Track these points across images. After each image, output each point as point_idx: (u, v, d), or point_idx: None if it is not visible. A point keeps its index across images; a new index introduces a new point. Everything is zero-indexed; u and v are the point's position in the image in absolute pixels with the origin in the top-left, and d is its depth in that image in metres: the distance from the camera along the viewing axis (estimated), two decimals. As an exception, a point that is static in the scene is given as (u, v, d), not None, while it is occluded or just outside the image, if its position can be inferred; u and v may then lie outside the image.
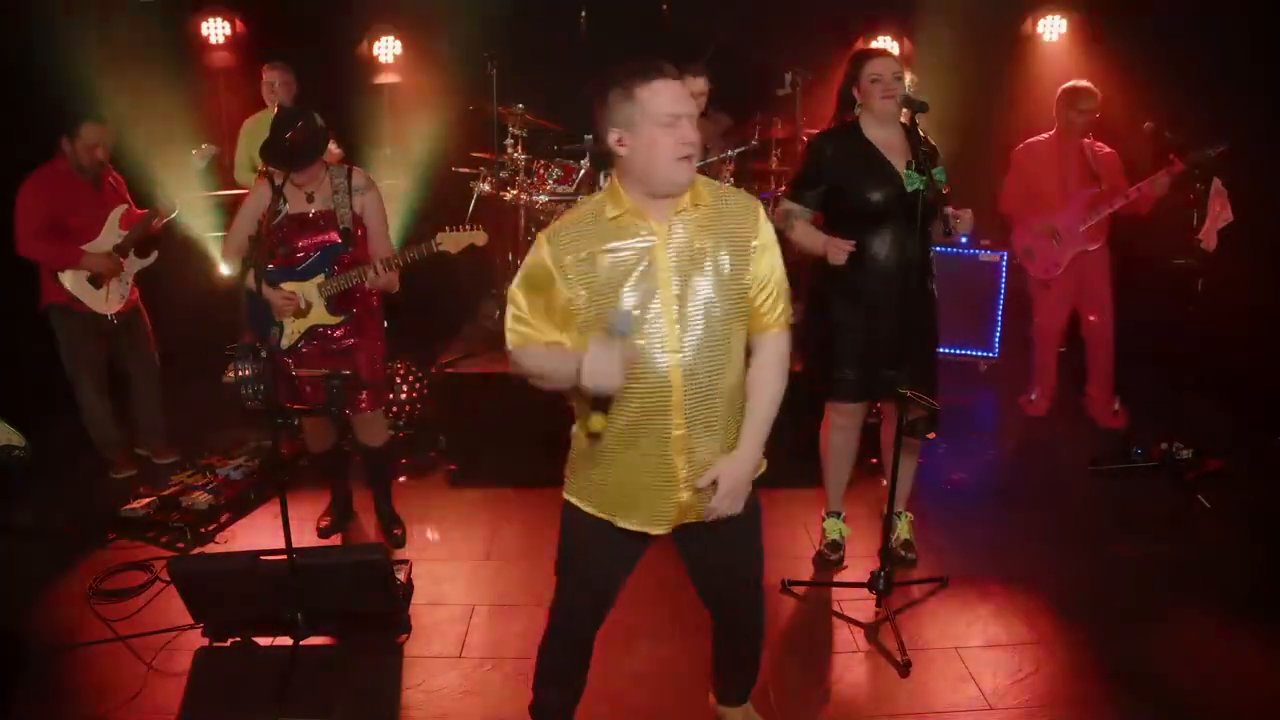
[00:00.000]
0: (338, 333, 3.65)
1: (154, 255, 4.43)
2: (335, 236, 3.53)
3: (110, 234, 4.24)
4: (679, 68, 2.13)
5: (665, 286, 2.14)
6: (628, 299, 2.13)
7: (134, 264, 4.33)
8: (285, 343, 3.59)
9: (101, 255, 4.19)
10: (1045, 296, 5.02)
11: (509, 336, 2.24)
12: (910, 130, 3.15)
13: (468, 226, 3.54)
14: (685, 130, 2.08)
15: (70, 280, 4.18)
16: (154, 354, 4.61)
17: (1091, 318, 4.98)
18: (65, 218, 4.16)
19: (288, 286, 3.52)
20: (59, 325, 4.28)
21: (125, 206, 4.28)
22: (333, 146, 3.57)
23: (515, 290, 2.22)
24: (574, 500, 2.38)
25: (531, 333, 2.21)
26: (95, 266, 4.18)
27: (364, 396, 3.72)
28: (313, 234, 3.53)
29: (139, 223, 4.24)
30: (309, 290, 3.55)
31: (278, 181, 3.39)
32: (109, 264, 4.21)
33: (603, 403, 2.07)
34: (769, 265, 2.23)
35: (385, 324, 3.91)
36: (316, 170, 3.50)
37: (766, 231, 2.23)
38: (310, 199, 3.53)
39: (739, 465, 2.25)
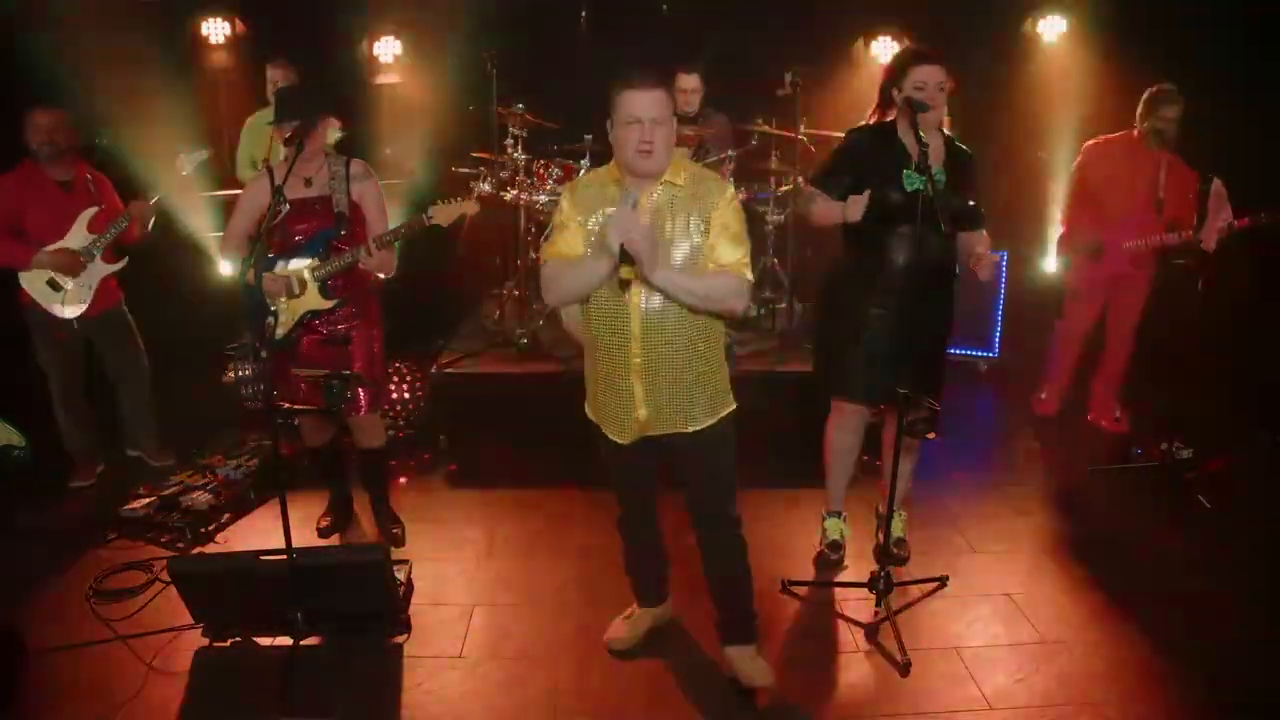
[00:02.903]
0: (335, 326, 3.64)
1: (123, 261, 4.23)
2: (330, 220, 3.53)
3: (77, 237, 4.07)
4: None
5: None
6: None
7: (99, 268, 4.13)
8: (281, 331, 3.57)
9: (56, 251, 4.00)
10: (1081, 301, 4.96)
11: (542, 264, 2.74)
12: (913, 131, 3.15)
13: (458, 198, 3.52)
14: (644, 131, 2.51)
15: (27, 281, 4.06)
16: (139, 355, 4.48)
17: (1117, 325, 4.95)
18: (25, 218, 4.02)
19: (281, 270, 3.53)
20: (30, 325, 4.18)
21: (95, 209, 4.10)
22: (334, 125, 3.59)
23: (553, 229, 2.76)
24: (589, 414, 2.90)
25: (561, 248, 2.69)
26: (50, 265, 4.01)
27: (362, 397, 3.71)
28: (309, 218, 3.53)
29: (110, 226, 4.08)
30: (302, 273, 3.54)
31: (278, 180, 3.40)
32: (66, 261, 4.02)
33: (627, 255, 2.46)
34: (715, 237, 2.63)
35: (383, 320, 3.86)
36: (315, 155, 3.51)
37: (724, 215, 2.63)
38: (308, 184, 3.53)
39: (652, 233, 2.53)
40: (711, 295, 2.60)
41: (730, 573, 2.96)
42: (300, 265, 3.54)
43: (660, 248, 2.54)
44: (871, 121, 3.46)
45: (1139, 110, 4.56)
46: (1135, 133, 4.59)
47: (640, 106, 2.51)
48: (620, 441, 2.78)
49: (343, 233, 3.54)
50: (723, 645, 3.03)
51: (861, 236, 3.38)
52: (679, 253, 2.62)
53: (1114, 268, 4.73)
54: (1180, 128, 4.45)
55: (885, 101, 3.41)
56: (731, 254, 2.63)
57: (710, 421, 2.76)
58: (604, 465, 2.93)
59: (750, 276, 2.68)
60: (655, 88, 2.52)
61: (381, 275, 3.66)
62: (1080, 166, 4.77)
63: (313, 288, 3.55)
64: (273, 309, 3.53)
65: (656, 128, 2.52)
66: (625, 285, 2.53)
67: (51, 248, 4.03)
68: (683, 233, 2.62)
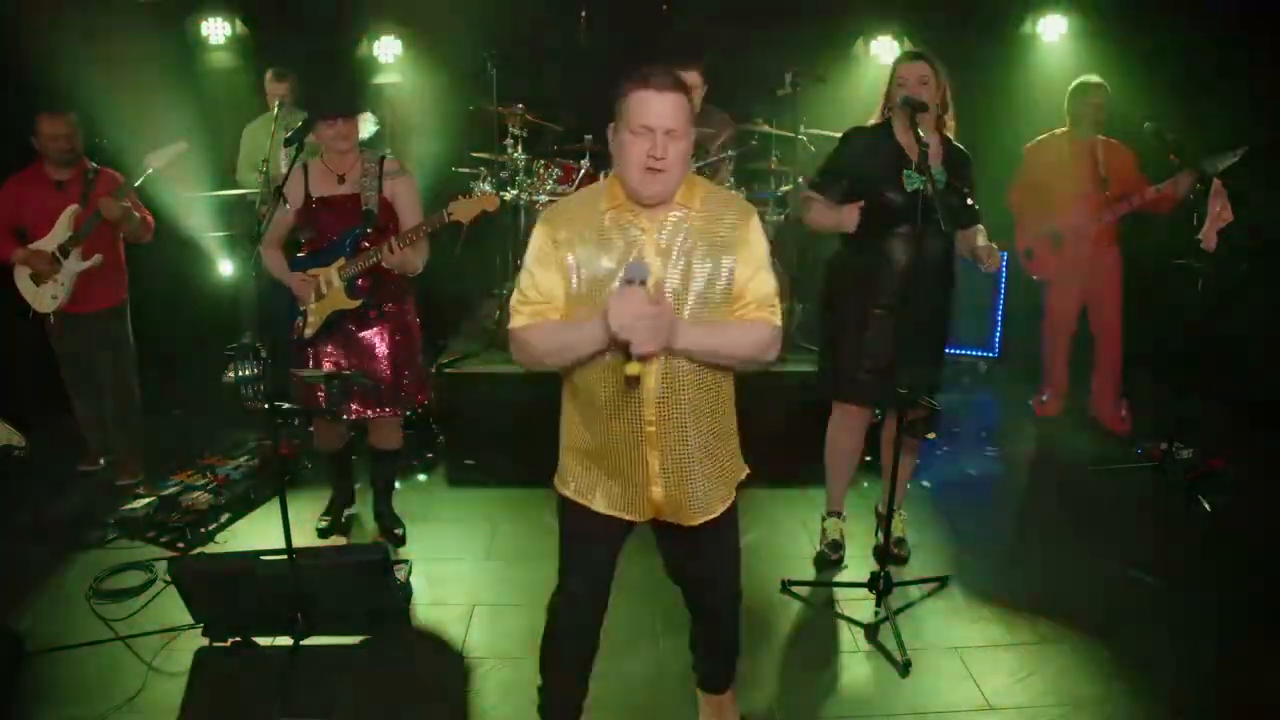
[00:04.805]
0: (364, 326, 3.61)
1: (97, 258, 4.20)
2: (358, 218, 3.49)
3: (58, 233, 4.15)
4: (675, 64, 2.16)
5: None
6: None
7: (75, 265, 4.17)
8: (309, 331, 3.55)
9: (33, 252, 4.12)
10: (1053, 295, 5.02)
11: (514, 320, 2.22)
12: (912, 129, 3.15)
13: (478, 193, 3.49)
14: (656, 144, 2.05)
15: (17, 277, 4.19)
16: (126, 369, 4.45)
17: (1100, 318, 4.98)
18: (22, 217, 4.17)
19: (311, 271, 3.53)
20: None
21: (77, 208, 4.15)
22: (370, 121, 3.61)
23: (524, 273, 2.23)
24: (559, 488, 2.44)
25: (543, 308, 2.20)
26: (27, 263, 4.14)
27: (386, 397, 3.66)
28: (340, 216, 3.51)
29: (85, 223, 4.14)
30: (330, 273, 3.52)
31: (306, 179, 3.45)
32: (40, 262, 4.12)
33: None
34: (748, 277, 2.19)
35: (416, 320, 3.79)
36: (349, 150, 3.50)
37: (755, 246, 2.19)
38: (341, 181, 3.52)
39: (666, 314, 2.04)
40: (739, 353, 2.19)
41: (722, 646, 2.70)
42: (330, 267, 3.52)
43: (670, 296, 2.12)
44: (869, 124, 3.48)
45: (1067, 101, 4.79)
46: (1066, 125, 4.82)
47: (660, 114, 2.05)
48: (630, 519, 2.35)
49: (370, 230, 3.49)
50: (700, 689, 2.82)
51: (862, 237, 3.38)
52: (680, 297, 2.16)
53: (1076, 249, 4.81)
54: (1106, 113, 4.72)
55: (886, 104, 3.43)
56: (759, 296, 2.20)
57: (728, 504, 2.38)
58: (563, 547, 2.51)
59: (778, 321, 2.23)
60: (674, 90, 2.07)
61: (409, 273, 3.62)
62: (1023, 165, 4.95)
63: (339, 287, 3.52)
64: (301, 309, 3.53)
65: (671, 142, 2.06)
66: (633, 381, 2.09)
67: (33, 247, 4.14)
68: (698, 268, 2.15)
